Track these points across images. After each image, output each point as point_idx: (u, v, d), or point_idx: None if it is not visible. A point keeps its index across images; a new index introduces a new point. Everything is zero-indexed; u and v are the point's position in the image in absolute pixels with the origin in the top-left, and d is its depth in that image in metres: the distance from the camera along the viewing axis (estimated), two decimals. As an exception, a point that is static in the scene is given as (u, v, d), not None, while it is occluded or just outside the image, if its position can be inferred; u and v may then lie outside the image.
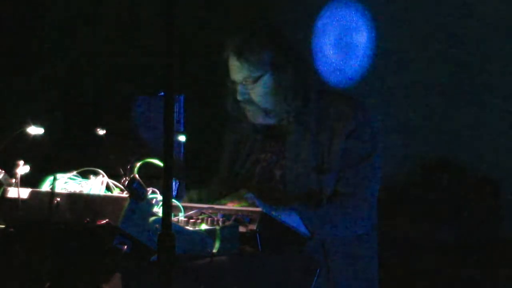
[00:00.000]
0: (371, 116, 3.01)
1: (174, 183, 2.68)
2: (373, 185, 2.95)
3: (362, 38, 4.77)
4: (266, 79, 2.96)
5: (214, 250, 2.38)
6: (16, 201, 2.40)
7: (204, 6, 4.73)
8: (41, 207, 2.35)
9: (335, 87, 3.17)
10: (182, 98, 2.73)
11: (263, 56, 2.95)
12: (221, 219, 2.49)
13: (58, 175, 2.41)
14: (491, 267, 4.31)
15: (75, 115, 4.56)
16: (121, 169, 2.33)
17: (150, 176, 2.32)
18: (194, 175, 3.03)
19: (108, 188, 2.43)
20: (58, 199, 2.33)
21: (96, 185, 2.42)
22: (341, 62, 4.73)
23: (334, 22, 4.80)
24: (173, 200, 2.31)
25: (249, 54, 2.94)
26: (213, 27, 4.62)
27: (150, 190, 2.32)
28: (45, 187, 2.44)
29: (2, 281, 2.39)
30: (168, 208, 2.05)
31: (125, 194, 2.27)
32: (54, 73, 4.61)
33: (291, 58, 2.99)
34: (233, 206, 2.69)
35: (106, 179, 2.42)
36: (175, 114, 2.63)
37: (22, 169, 2.44)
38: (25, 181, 2.45)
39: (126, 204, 2.22)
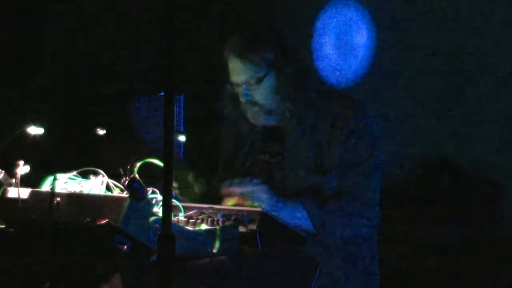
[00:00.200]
0: (370, 116, 3.01)
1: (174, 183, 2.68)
2: (374, 185, 2.95)
3: (361, 38, 4.77)
4: (269, 79, 2.96)
5: (214, 250, 2.38)
6: (16, 201, 2.40)
7: (204, 6, 4.73)
8: (41, 207, 2.35)
9: (334, 87, 3.17)
10: (182, 98, 2.74)
11: (266, 56, 2.95)
12: (221, 219, 2.49)
13: (58, 175, 2.41)
14: (491, 267, 4.32)
15: (75, 115, 4.56)
16: (121, 169, 2.33)
17: (150, 176, 2.32)
18: (194, 174, 3.03)
19: (108, 188, 2.43)
20: (58, 199, 2.33)
21: (96, 185, 2.42)
22: (341, 62, 4.73)
23: (334, 22, 4.80)
24: (173, 200, 2.31)
25: (252, 54, 2.93)
26: (213, 27, 4.63)
27: (150, 190, 2.32)
28: (45, 187, 2.44)
29: (2, 281, 2.39)
30: (168, 208, 2.05)
31: (125, 194, 2.27)
32: (54, 73, 4.61)
33: (291, 57, 2.99)
34: (233, 199, 2.71)
35: (106, 179, 2.42)
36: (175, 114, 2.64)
37: (22, 169, 2.44)
38: (25, 181, 2.45)
39: (126, 204, 2.22)
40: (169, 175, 2.06)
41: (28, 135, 2.51)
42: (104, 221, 2.22)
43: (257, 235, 2.48)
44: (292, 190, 2.90)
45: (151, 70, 4.47)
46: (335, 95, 3.07)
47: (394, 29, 4.73)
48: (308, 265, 2.61)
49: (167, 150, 2.06)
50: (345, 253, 2.90)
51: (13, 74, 4.55)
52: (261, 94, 2.96)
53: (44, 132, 2.53)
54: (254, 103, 2.98)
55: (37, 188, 2.44)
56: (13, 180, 2.45)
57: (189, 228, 2.42)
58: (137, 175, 2.26)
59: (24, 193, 2.42)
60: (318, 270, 2.60)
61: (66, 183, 2.43)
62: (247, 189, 2.78)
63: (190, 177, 3.01)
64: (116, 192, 2.40)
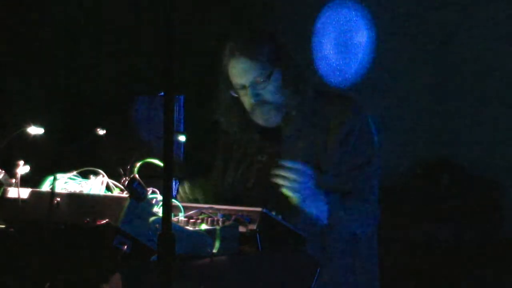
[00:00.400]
0: (369, 116, 3.01)
1: (174, 183, 2.68)
2: (375, 185, 2.95)
3: (361, 38, 4.77)
4: (276, 75, 2.96)
5: (214, 250, 2.38)
6: (16, 201, 2.41)
7: (204, 6, 4.73)
8: (41, 207, 2.35)
9: (333, 87, 3.17)
10: (182, 98, 2.73)
11: (270, 51, 2.95)
12: (221, 219, 2.49)
13: (58, 175, 2.41)
14: (491, 267, 4.32)
15: (75, 115, 4.56)
16: (121, 169, 2.33)
17: (150, 176, 2.32)
18: (193, 174, 3.03)
19: (108, 188, 2.43)
20: (58, 199, 2.33)
21: (96, 185, 2.42)
22: (340, 62, 4.73)
23: (333, 22, 4.80)
24: (173, 200, 2.31)
25: (258, 51, 2.93)
26: (212, 27, 4.63)
27: (150, 190, 2.32)
28: (45, 187, 2.44)
29: (2, 281, 2.39)
30: (168, 208, 2.05)
31: (125, 194, 2.27)
32: (54, 74, 4.61)
33: (291, 55, 3.00)
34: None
35: (106, 179, 2.42)
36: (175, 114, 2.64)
37: (22, 169, 2.44)
38: (25, 181, 2.45)
39: (126, 204, 2.22)
40: (169, 175, 2.06)
41: (28, 135, 2.51)
42: (104, 221, 2.22)
43: (257, 235, 2.48)
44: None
45: (151, 70, 4.47)
46: (333, 95, 3.07)
47: (395, 28, 4.73)
48: (308, 265, 2.61)
49: (167, 150, 2.06)
50: (345, 253, 2.90)
51: (13, 74, 4.55)
52: (270, 91, 2.96)
53: (44, 132, 2.53)
54: (264, 101, 2.97)
55: (37, 188, 2.44)
56: (13, 180, 2.45)
57: (189, 228, 2.42)
58: (137, 175, 2.26)
59: (24, 193, 2.42)
60: (318, 270, 2.60)
61: (66, 183, 2.44)
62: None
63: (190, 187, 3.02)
64: (116, 192, 2.40)
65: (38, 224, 2.33)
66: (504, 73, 4.60)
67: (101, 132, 2.49)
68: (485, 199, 4.56)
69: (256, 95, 2.95)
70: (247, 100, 2.98)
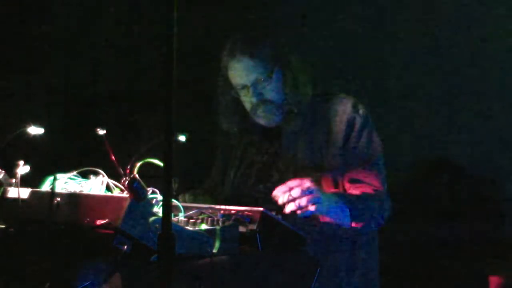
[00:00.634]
0: (369, 115, 3.01)
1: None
2: (382, 178, 2.96)
3: (361, 38, 4.77)
4: (278, 73, 2.96)
5: (214, 250, 2.38)
6: (16, 201, 2.40)
7: (204, 7, 4.73)
8: (41, 207, 2.35)
9: (333, 88, 3.17)
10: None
11: (271, 50, 2.95)
12: (221, 219, 2.49)
13: (58, 175, 2.41)
14: (491, 267, 4.31)
15: (75, 115, 4.56)
16: (121, 169, 2.33)
17: (150, 176, 2.32)
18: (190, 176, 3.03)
19: (108, 188, 2.43)
20: (58, 199, 2.33)
21: (96, 185, 2.42)
22: (340, 62, 4.73)
23: (333, 22, 4.80)
24: (173, 200, 2.31)
25: (259, 50, 2.93)
26: (212, 27, 4.63)
27: (150, 190, 2.32)
28: (45, 187, 2.44)
29: (2, 281, 2.39)
30: (168, 208, 2.05)
31: (125, 194, 2.27)
32: (54, 73, 4.61)
33: (291, 51, 3.00)
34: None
35: (106, 179, 2.42)
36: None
37: (22, 169, 2.44)
38: (25, 181, 2.45)
39: (126, 204, 2.22)
40: (169, 175, 2.05)
41: (28, 135, 2.51)
42: (104, 221, 2.22)
43: (257, 235, 2.48)
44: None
45: (151, 70, 4.47)
46: (333, 95, 3.07)
47: (394, 28, 4.73)
48: (308, 265, 2.61)
49: (167, 150, 2.06)
50: (345, 253, 2.90)
51: (13, 74, 4.55)
52: (272, 89, 2.96)
53: (44, 132, 2.53)
54: (265, 101, 2.97)
55: (37, 188, 2.44)
56: (13, 180, 2.45)
57: (189, 228, 2.42)
58: (137, 175, 2.26)
59: (24, 193, 2.42)
60: (318, 270, 2.60)
61: (66, 183, 2.44)
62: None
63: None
64: (116, 192, 2.40)
65: (38, 224, 2.33)
66: (504, 73, 4.59)
67: (101, 132, 2.49)
68: (485, 199, 4.56)
69: (258, 94, 2.96)
70: (248, 100, 2.99)
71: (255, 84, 2.95)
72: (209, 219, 2.49)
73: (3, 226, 2.40)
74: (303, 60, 3.06)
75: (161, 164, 2.07)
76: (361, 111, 2.98)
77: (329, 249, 2.88)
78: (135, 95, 4.73)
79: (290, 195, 2.68)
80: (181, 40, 2.09)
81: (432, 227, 4.51)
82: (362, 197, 2.85)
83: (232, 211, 2.54)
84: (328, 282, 2.83)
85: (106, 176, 2.42)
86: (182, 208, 2.51)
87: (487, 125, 4.61)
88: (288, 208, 2.68)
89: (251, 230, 2.49)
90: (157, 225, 2.22)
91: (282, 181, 2.97)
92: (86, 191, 2.42)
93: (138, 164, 2.35)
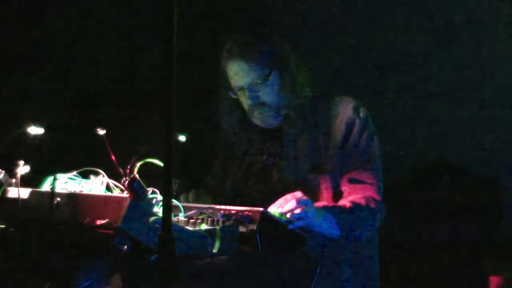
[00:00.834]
0: (369, 116, 3.00)
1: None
2: (378, 183, 2.95)
3: (361, 38, 4.77)
4: (274, 76, 2.95)
5: (214, 250, 2.38)
6: (16, 201, 2.40)
7: (204, 7, 4.73)
8: (41, 207, 2.35)
9: (333, 88, 3.17)
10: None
11: (268, 54, 2.94)
12: (221, 219, 2.49)
13: (58, 175, 2.41)
14: (491, 267, 4.31)
15: (75, 115, 4.56)
16: (121, 169, 2.33)
17: (150, 176, 2.32)
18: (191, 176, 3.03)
19: (108, 188, 2.43)
20: (58, 199, 2.33)
21: (96, 185, 2.42)
22: (340, 62, 4.73)
23: (333, 22, 4.80)
24: (173, 200, 2.31)
25: (255, 54, 2.92)
26: (213, 27, 4.63)
27: (150, 190, 2.32)
28: (45, 187, 2.44)
29: (2, 281, 2.39)
30: (168, 208, 2.05)
31: (125, 194, 2.27)
32: (55, 73, 4.61)
33: (290, 53, 2.99)
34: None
35: (106, 179, 2.42)
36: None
37: (22, 169, 2.44)
38: (25, 181, 2.45)
39: (126, 204, 2.22)
40: (169, 175, 2.06)
41: (28, 135, 2.51)
42: (104, 221, 2.22)
43: (257, 235, 2.48)
44: (291, 191, 2.89)
45: (151, 70, 4.47)
46: (333, 96, 3.06)
47: (394, 28, 4.73)
48: (308, 265, 2.61)
49: (167, 150, 2.06)
50: (346, 254, 2.90)
51: (13, 74, 4.55)
52: (268, 93, 2.95)
53: (44, 132, 2.53)
54: (261, 103, 2.96)
55: (37, 188, 2.44)
56: (13, 180, 2.45)
57: (189, 228, 2.42)
58: (137, 175, 2.26)
59: (24, 193, 2.42)
60: (318, 270, 2.60)
61: (66, 183, 2.43)
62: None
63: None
64: (116, 192, 2.40)
65: (38, 224, 2.33)
66: (504, 73, 4.60)
67: (101, 132, 2.49)
68: (485, 199, 4.56)
69: (254, 97, 2.95)
70: (245, 101, 2.98)
71: (251, 87, 2.94)
72: (209, 219, 2.49)
73: (3, 226, 2.40)
74: (303, 60, 3.05)
75: (161, 164, 2.07)
76: (361, 114, 2.97)
77: (329, 250, 2.87)
78: (135, 95, 4.73)
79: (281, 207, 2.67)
80: (181, 40, 2.09)
81: (432, 227, 4.51)
82: (352, 209, 2.82)
83: (232, 211, 2.54)
84: (328, 281, 2.82)
85: (106, 176, 2.42)
86: (182, 208, 2.52)
87: (487, 125, 4.61)
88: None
89: (251, 230, 2.49)
90: (157, 225, 2.22)
91: (282, 181, 2.97)
92: (86, 191, 2.42)
93: (138, 164, 2.35)
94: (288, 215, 2.62)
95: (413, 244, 4.46)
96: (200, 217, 2.52)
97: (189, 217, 2.52)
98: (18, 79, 4.54)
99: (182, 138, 2.67)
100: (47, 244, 2.31)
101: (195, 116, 4.18)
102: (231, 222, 2.49)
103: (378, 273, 3.02)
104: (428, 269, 4.37)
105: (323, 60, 4.36)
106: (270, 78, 2.94)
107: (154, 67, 4.41)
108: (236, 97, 3.01)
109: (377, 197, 2.90)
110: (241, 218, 2.51)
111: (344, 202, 2.85)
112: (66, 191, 2.39)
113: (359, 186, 2.91)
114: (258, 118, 2.99)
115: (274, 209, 2.67)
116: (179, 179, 2.78)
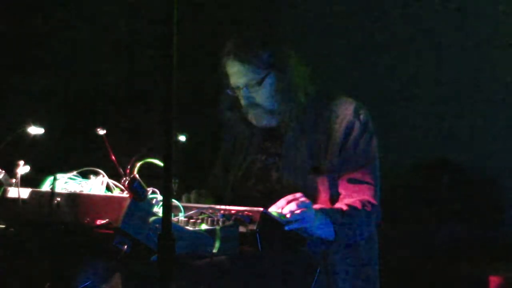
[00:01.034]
0: (369, 117, 3.00)
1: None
2: (375, 186, 2.95)
3: (361, 37, 4.77)
4: (270, 79, 2.95)
5: (214, 250, 2.38)
6: (16, 201, 2.40)
7: (204, 7, 4.73)
8: (41, 207, 2.35)
9: (333, 88, 3.16)
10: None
11: (265, 56, 2.94)
12: (221, 219, 2.49)
13: (58, 175, 2.41)
14: (491, 267, 4.31)
15: (75, 115, 4.56)
16: (121, 169, 2.33)
17: (150, 176, 2.32)
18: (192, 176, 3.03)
19: (108, 188, 2.43)
20: (58, 199, 2.33)
21: (96, 185, 2.42)
22: (340, 63, 4.73)
23: (333, 22, 4.80)
24: (173, 200, 2.31)
25: (251, 56, 2.92)
26: (213, 27, 4.63)
27: (150, 190, 2.32)
28: (45, 187, 2.44)
29: (2, 281, 2.39)
30: (168, 208, 2.06)
31: (125, 194, 2.27)
32: (54, 73, 4.61)
33: (289, 56, 2.99)
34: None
35: (106, 179, 2.42)
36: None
37: (22, 169, 2.44)
38: (25, 181, 2.45)
39: (126, 204, 2.22)
40: (169, 175, 2.06)
41: (28, 135, 2.51)
42: (104, 221, 2.22)
43: (257, 235, 2.48)
44: (290, 191, 2.89)
45: (151, 70, 4.47)
46: (333, 96, 3.06)
47: (393, 27, 4.73)
48: (308, 265, 2.61)
49: (167, 150, 2.06)
50: (346, 254, 2.90)
51: (13, 74, 4.55)
52: (262, 95, 2.96)
53: (44, 132, 2.53)
54: (256, 104, 2.97)
55: (37, 188, 2.44)
56: (13, 180, 2.45)
57: (189, 228, 2.42)
58: (137, 175, 2.26)
59: (24, 193, 2.42)
60: (318, 270, 2.60)
61: (66, 183, 2.44)
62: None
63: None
64: (116, 192, 2.40)
65: (38, 224, 2.33)
66: (504, 73, 4.60)
67: (101, 132, 2.49)
68: (485, 199, 4.56)
69: (248, 98, 2.96)
70: (241, 100, 3.00)
71: (246, 88, 2.95)
72: (209, 219, 2.49)
73: (3, 226, 2.40)
74: (303, 62, 3.05)
75: (161, 164, 2.07)
76: (361, 116, 2.97)
77: (329, 250, 2.87)
78: (135, 95, 4.73)
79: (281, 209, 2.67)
80: (181, 39, 2.09)
81: (432, 227, 4.51)
82: (348, 212, 2.83)
83: (232, 211, 2.54)
84: (328, 281, 2.82)
85: (106, 176, 2.42)
86: (182, 208, 2.52)
87: (487, 125, 4.61)
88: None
89: (251, 230, 2.49)
90: (157, 225, 2.22)
91: (282, 181, 2.97)
92: (86, 191, 2.42)
93: (138, 164, 2.35)
94: (288, 216, 2.63)
95: (413, 244, 4.46)
96: (200, 217, 2.52)
97: (189, 217, 2.52)
98: (18, 79, 4.54)
99: (182, 138, 2.67)
100: (47, 244, 2.31)
101: (195, 116, 4.18)
102: (231, 222, 2.49)
103: (378, 273, 3.02)
104: (428, 269, 4.37)
105: (323, 60, 4.36)
106: (266, 81, 2.95)
107: (154, 67, 4.41)
108: (233, 94, 3.02)
109: (373, 201, 2.90)
110: (241, 218, 2.51)
111: (341, 205, 2.85)
112: (66, 191, 2.39)
113: (357, 187, 2.91)
114: (252, 118, 3.00)
115: (275, 209, 2.67)
116: (179, 179, 2.79)
